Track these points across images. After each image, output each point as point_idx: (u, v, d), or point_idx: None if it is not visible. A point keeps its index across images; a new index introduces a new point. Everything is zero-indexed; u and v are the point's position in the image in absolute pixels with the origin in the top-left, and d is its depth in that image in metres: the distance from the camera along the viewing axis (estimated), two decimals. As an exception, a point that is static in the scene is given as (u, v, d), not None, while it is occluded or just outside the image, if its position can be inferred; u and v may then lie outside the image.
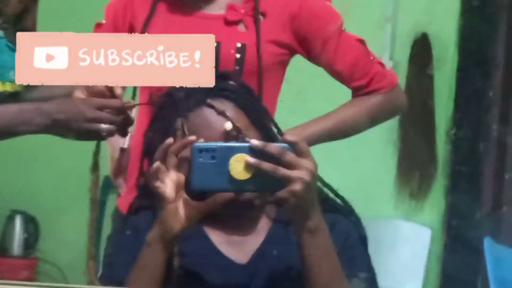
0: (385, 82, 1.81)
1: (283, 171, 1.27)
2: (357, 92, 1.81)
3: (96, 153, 1.56)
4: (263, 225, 1.45)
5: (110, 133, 1.45)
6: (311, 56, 1.80)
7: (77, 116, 1.41)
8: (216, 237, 1.42)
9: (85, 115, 1.42)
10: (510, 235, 3.21)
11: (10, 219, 3.69)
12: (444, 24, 3.66)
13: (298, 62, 1.84)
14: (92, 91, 1.45)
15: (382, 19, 3.70)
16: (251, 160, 1.28)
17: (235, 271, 1.39)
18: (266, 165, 1.27)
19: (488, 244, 2.68)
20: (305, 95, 3.45)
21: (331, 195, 1.47)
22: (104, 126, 1.43)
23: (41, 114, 1.40)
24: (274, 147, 1.28)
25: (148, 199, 1.42)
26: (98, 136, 1.46)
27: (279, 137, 1.48)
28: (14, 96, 1.48)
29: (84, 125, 1.42)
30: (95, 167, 1.54)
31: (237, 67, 1.70)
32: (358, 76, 1.79)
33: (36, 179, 3.75)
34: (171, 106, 1.43)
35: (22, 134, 1.41)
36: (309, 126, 1.76)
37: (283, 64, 1.80)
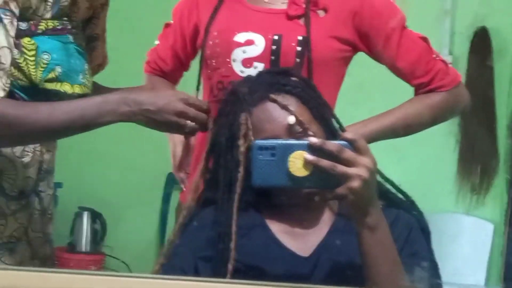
0: (448, 80, 1.80)
1: (341, 168, 1.28)
2: (419, 89, 1.80)
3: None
4: (326, 219, 1.46)
5: (193, 130, 1.49)
6: (373, 53, 1.80)
7: (168, 108, 1.45)
8: (279, 230, 1.44)
9: (176, 108, 1.45)
10: None
11: (78, 216, 3.77)
12: (504, 17, 3.61)
13: (358, 55, 1.85)
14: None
15: (441, 13, 3.68)
16: (310, 157, 1.29)
17: (297, 263, 1.40)
18: (325, 163, 1.29)
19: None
20: (365, 88, 3.45)
21: (393, 190, 1.48)
22: (189, 122, 1.47)
23: (127, 103, 1.43)
24: (332, 144, 1.29)
25: (214, 193, 1.46)
26: (181, 131, 1.50)
27: (340, 131, 1.50)
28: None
29: (172, 118, 1.45)
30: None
31: (297, 60, 1.72)
32: (420, 73, 1.79)
33: (102, 176, 3.83)
34: (236, 102, 1.46)
35: (107, 124, 1.45)
36: (371, 123, 1.76)
37: (345, 60, 1.80)
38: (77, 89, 1.52)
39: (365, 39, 1.78)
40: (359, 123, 1.76)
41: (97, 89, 1.64)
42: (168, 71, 1.98)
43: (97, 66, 1.72)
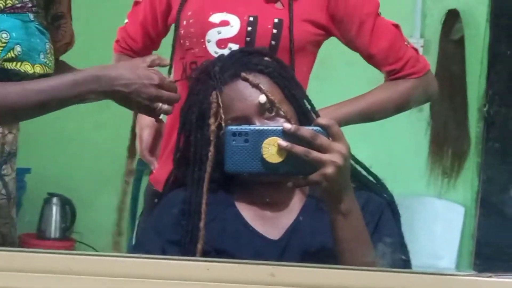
0: (418, 67, 1.82)
1: (315, 154, 1.28)
2: (390, 76, 1.81)
3: (133, 139, 1.57)
4: (297, 201, 1.46)
5: (165, 112, 1.46)
6: (346, 39, 1.80)
7: (140, 92, 1.41)
8: (249, 214, 1.43)
9: (149, 93, 1.42)
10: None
11: (47, 202, 3.74)
12: (475, 0, 3.63)
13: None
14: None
15: (412, -3, 3.69)
16: (284, 143, 1.29)
17: (266, 246, 1.40)
18: (299, 149, 1.28)
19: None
20: (328, 63, 3.44)
21: (364, 173, 1.48)
22: (161, 104, 1.44)
23: (99, 82, 1.40)
24: (306, 130, 1.29)
25: (184, 172, 1.44)
26: (152, 114, 1.47)
27: (312, 113, 1.49)
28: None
29: (144, 101, 1.43)
30: (131, 153, 1.56)
31: (273, 42, 1.72)
32: (392, 60, 1.80)
33: (72, 161, 3.79)
34: (207, 80, 1.45)
35: (78, 103, 1.43)
36: (343, 107, 1.77)
37: (318, 44, 1.80)
38: (38, 69, 1.49)
39: (339, 25, 1.78)
40: (331, 107, 1.76)
41: (66, 70, 1.60)
42: (138, 50, 1.94)
43: (65, 45, 1.68)
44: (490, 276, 1.03)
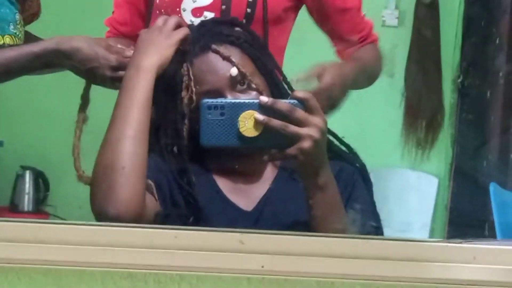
0: (376, 34, 1.85)
1: (292, 128, 1.27)
2: (361, 43, 1.81)
3: (86, 93, 1.54)
4: (269, 173, 1.45)
5: None
6: (315, 6, 1.80)
7: (96, 72, 1.40)
8: (224, 185, 1.42)
9: (104, 74, 1.41)
10: (517, 181, 3.22)
11: (20, 175, 3.70)
12: (450, -30, 3.63)
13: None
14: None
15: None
16: (260, 117, 1.27)
17: (240, 217, 1.39)
18: (275, 122, 1.27)
19: (494, 189, 2.69)
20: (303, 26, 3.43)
21: (336, 142, 1.48)
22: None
23: (57, 57, 1.38)
24: (283, 104, 1.28)
25: (153, 142, 1.43)
26: (113, 88, 1.45)
27: (284, 84, 1.47)
28: None
29: (99, 81, 1.41)
30: (83, 106, 1.53)
31: (248, 10, 1.70)
32: (361, 27, 1.81)
33: (45, 134, 3.76)
34: (177, 52, 1.42)
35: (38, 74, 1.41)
36: (346, 65, 1.71)
37: (291, 13, 1.79)
38: (8, 40, 1.47)
39: None
40: (335, 65, 1.69)
41: (32, 41, 1.58)
42: (129, 33, 1.84)
43: (32, 15, 1.66)
44: (460, 242, 1.03)
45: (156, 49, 1.37)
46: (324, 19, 1.81)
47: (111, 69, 1.41)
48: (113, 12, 1.90)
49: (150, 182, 1.34)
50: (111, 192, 1.25)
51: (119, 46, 1.47)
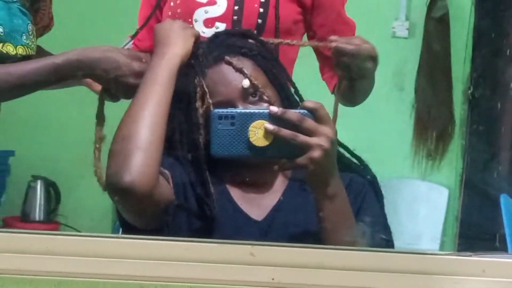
0: None
1: (302, 138, 1.27)
2: None
3: (101, 111, 1.55)
4: (280, 184, 1.45)
5: None
6: (309, 23, 1.81)
7: (119, 79, 1.41)
8: (236, 194, 1.43)
9: (127, 81, 1.42)
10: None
11: (32, 185, 3.72)
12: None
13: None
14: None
15: (398, -21, 3.68)
16: (270, 127, 1.28)
17: (251, 226, 1.40)
18: (285, 132, 1.28)
19: (504, 201, 2.68)
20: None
21: (347, 154, 1.48)
22: None
23: (80, 67, 1.39)
24: (293, 114, 1.28)
25: (169, 149, 1.43)
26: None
27: (295, 96, 1.48)
28: (26, 60, 1.49)
29: (131, 80, 1.42)
30: (99, 125, 1.54)
31: (259, 21, 1.71)
32: None
33: (56, 145, 3.78)
34: (190, 63, 1.43)
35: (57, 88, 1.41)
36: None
37: (300, 26, 1.79)
38: (21, 50, 1.48)
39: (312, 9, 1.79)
40: None
41: (42, 54, 1.59)
42: (146, 48, 1.80)
43: (43, 28, 1.67)
44: (469, 255, 1.03)
45: (178, 39, 1.41)
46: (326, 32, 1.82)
47: (134, 75, 1.42)
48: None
49: (166, 171, 1.36)
50: (127, 162, 1.27)
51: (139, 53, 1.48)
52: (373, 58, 1.58)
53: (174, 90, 1.43)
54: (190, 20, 1.73)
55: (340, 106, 1.79)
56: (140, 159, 1.28)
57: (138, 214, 1.32)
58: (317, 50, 1.84)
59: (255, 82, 1.40)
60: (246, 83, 1.40)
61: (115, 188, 1.29)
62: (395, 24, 3.67)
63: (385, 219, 1.45)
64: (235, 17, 1.71)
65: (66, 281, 1.01)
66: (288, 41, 1.64)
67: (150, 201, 1.29)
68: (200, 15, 1.72)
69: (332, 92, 1.84)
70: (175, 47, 1.40)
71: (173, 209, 1.34)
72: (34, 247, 1.02)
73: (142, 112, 1.32)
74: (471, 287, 1.02)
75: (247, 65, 1.42)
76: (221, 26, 1.70)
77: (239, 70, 1.41)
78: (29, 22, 1.52)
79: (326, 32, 1.76)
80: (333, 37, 1.56)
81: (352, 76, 1.59)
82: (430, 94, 3.59)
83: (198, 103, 1.40)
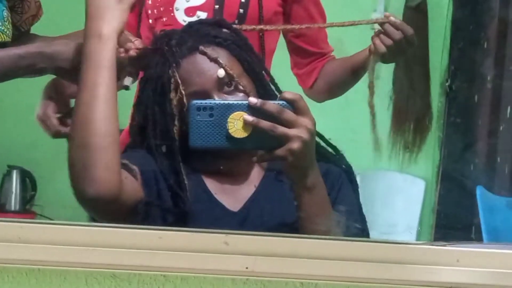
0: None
1: (281, 129, 1.27)
2: (327, 57, 1.87)
3: None
4: (256, 174, 1.45)
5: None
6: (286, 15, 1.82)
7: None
8: (212, 185, 1.43)
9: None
10: (504, 185, 3.22)
11: (7, 174, 3.69)
12: (439, -25, 3.64)
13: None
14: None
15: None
16: (249, 118, 1.28)
17: (226, 217, 1.40)
18: (264, 123, 1.27)
19: (480, 192, 2.70)
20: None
21: (323, 144, 1.48)
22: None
23: (44, 59, 1.37)
24: (272, 105, 1.28)
25: (141, 140, 1.43)
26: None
27: (272, 85, 1.48)
28: (2, 47, 1.47)
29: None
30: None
31: (241, 10, 1.71)
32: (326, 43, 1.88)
33: (32, 134, 3.74)
34: (164, 53, 1.42)
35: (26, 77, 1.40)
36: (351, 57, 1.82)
37: (280, 18, 1.80)
38: None
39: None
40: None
41: (23, 38, 1.57)
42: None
43: (32, 17, 1.65)
44: (444, 245, 1.04)
45: (113, 14, 1.31)
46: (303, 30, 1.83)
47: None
48: None
49: (134, 167, 1.34)
50: (88, 173, 1.25)
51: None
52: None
53: (147, 80, 1.42)
54: (171, 8, 1.72)
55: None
56: (100, 165, 1.25)
57: (108, 218, 1.31)
58: (290, 45, 1.84)
59: (230, 72, 1.39)
60: (221, 73, 1.39)
61: (81, 200, 1.27)
62: (374, 16, 3.68)
63: (361, 208, 1.46)
64: (216, 6, 1.71)
65: (37, 269, 1.00)
66: (262, 26, 1.64)
67: (117, 205, 1.28)
68: (181, 3, 1.72)
69: (306, 88, 1.85)
70: (110, 23, 1.30)
71: (142, 207, 1.33)
72: (5, 235, 1.00)
73: (93, 115, 1.26)
74: (445, 276, 1.03)
75: (222, 55, 1.41)
76: (202, 15, 1.70)
77: (214, 60, 1.40)
78: (4, 8, 1.50)
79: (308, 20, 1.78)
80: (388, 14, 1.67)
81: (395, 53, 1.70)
82: (407, 86, 3.60)
83: (173, 94, 1.39)
